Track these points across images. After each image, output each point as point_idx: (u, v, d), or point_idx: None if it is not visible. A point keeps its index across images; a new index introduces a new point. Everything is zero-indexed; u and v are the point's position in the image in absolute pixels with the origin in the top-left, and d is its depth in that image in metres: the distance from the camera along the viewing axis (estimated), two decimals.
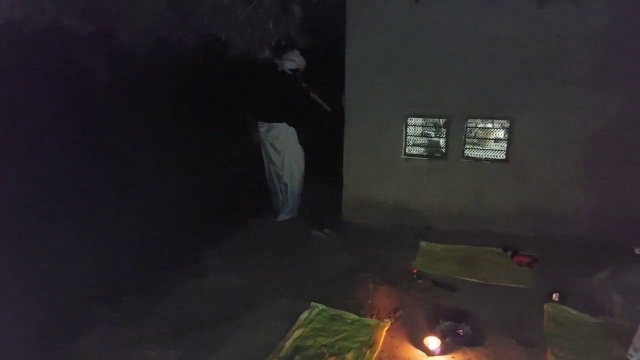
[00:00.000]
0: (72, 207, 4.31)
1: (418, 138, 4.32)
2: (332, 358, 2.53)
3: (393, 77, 4.19)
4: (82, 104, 4.60)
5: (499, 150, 4.13)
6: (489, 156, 4.17)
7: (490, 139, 4.14)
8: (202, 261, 3.88)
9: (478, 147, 4.18)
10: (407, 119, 4.28)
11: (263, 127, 4.67)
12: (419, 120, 4.27)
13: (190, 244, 4.22)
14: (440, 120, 4.22)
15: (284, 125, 4.60)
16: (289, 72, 4.52)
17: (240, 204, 5.48)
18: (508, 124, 4.03)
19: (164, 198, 5.10)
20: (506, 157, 4.11)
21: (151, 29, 3.51)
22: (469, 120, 4.12)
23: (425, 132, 4.29)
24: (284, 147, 4.67)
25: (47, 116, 4.33)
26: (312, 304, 3.05)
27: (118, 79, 3.95)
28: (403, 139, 4.32)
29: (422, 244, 4.14)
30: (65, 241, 3.89)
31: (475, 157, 4.20)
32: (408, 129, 4.31)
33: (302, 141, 4.80)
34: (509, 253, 3.90)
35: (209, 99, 6.09)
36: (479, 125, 4.12)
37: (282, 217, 4.84)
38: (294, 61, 4.60)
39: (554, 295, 3.11)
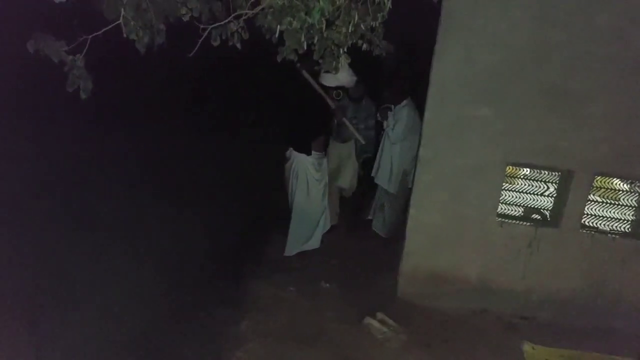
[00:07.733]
0: None
1: (521, 195, 3.14)
2: None
3: (497, 110, 2.98)
4: None
5: (632, 221, 3.04)
6: (619, 228, 3.06)
7: (623, 205, 3.03)
8: None
9: (605, 215, 3.06)
10: (508, 167, 3.09)
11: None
12: (526, 171, 3.09)
13: None
14: (557, 173, 3.06)
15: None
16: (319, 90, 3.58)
17: (232, 259, 3.86)
18: None
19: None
20: None
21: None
22: (597, 178, 3.00)
23: (533, 188, 3.11)
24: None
25: None
26: None
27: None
28: (500, 194, 3.12)
29: (527, 347, 2.96)
30: None
31: (599, 229, 3.07)
32: (508, 182, 3.11)
33: None
34: None
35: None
36: (611, 186, 3.01)
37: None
38: (336, 78, 3.53)
39: None
